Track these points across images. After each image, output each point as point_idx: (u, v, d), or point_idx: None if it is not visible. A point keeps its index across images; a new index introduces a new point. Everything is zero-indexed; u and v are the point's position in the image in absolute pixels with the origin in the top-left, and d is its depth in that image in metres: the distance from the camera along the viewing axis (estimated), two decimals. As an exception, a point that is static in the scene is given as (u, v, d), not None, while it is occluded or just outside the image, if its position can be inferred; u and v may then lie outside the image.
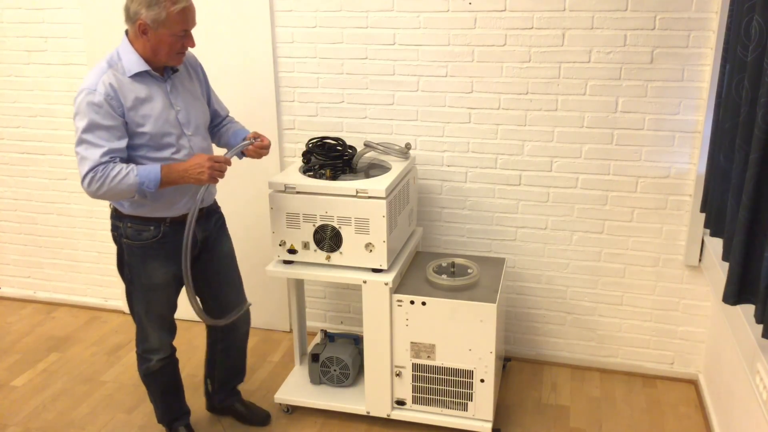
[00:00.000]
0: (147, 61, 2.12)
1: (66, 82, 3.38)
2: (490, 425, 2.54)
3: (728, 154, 2.16)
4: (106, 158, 2.04)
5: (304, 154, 2.68)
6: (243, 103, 3.10)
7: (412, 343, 2.52)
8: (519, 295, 3.07)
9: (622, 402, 2.84)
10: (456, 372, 2.51)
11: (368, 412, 2.66)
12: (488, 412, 2.54)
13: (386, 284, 2.46)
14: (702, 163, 2.64)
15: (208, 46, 3.06)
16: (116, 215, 2.26)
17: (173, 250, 2.24)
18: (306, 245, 2.52)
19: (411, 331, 2.51)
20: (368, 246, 2.45)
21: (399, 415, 2.63)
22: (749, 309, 2.03)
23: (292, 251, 2.54)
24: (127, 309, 2.56)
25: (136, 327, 2.41)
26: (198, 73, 2.36)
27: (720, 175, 2.25)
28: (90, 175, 2.03)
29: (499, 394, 2.86)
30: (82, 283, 3.73)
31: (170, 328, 2.44)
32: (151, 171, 2.09)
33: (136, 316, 2.38)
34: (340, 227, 2.46)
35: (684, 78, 2.61)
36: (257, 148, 2.34)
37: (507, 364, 3.11)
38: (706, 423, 2.68)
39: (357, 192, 2.41)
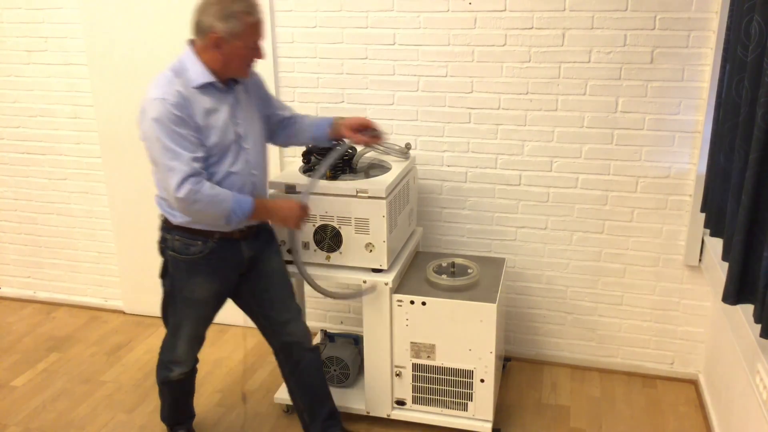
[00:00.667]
0: (213, 72, 2.07)
1: (66, 82, 3.38)
2: (490, 425, 2.54)
3: (728, 154, 2.16)
4: (196, 165, 2.00)
5: (304, 154, 2.67)
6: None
7: (412, 343, 2.52)
8: (519, 295, 3.07)
9: (622, 402, 2.84)
10: (456, 372, 2.51)
11: (368, 412, 2.66)
12: (488, 412, 2.54)
13: (386, 284, 2.46)
14: (702, 163, 2.64)
15: (208, 46, 3.06)
16: (165, 227, 2.20)
17: (219, 266, 2.22)
18: (306, 245, 2.52)
19: (411, 331, 2.51)
20: (368, 246, 2.45)
21: (399, 415, 2.63)
22: (749, 309, 2.03)
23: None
24: (159, 314, 2.43)
25: (166, 335, 2.38)
26: (256, 84, 2.31)
27: (720, 175, 2.25)
28: (186, 186, 1.97)
29: (499, 394, 2.86)
30: (82, 283, 3.73)
31: (200, 343, 2.39)
32: (243, 202, 2.09)
33: (171, 327, 2.34)
34: (340, 227, 2.46)
35: (684, 78, 2.61)
36: (373, 141, 2.37)
37: (507, 364, 3.11)
38: (706, 423, 2.68)
39: (357, 192, 2.41)
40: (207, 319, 2.33)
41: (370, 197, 2.40)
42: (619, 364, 3.05)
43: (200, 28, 2.03)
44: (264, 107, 2.34)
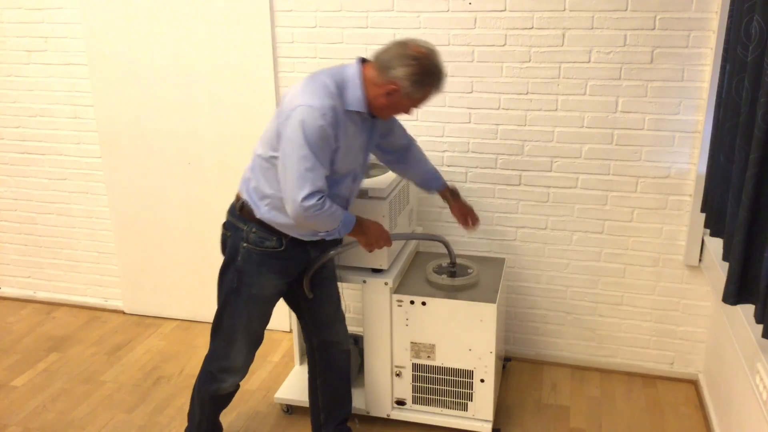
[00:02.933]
0: (368, 105, 2.06)
1: (66, 82, 3.38)
2: (490, 425, 2.54)
3: (728, 154, 2.16)
4: (324, 184, 2.00)
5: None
6: (243, 103, 3.10)
7: (412, 343, 2.52)
8: (519, 295, 3.07)
9: (622, 402, 2.84)
10: (456, 372, 2.51)
11: (368, 412, 2.66)
12: (488, 412, 2.54)
13: (386, 284, 2.46)
14: (702, 163, 2.64)
15: (208, 46, 3.06)
16: (242, 217, 2.16)
17: (289, 264, 2.22)
18: (306, 245, 2.52)
19: (411, 331, 2.51)
20: (368, 246, 2.45)
21: (399, 415, 2.63)
22: (749, 309, 2.03)
23: (292, 251, 2.54)
24: (218, 321, 2.28)
25: (216, 342, 2.26)
26: (386, 124, 2.32)
27: (720, 175, 2.25)
28: (313, 200, 1.96)
29: (499, 394, 2.86)
30: (82, 283, 3.73)
31: (258, 345, 2.32)
32: (349, 220, 2.12)
33: (227, 330, 2.23)
34: (340, 227, 2.46)
35: (684, 78, 2.61)
36: (470, 229, 2.56)
37: (507, 364, 3.11)
38: (706, 423, 2.68)
39: (357, 192, 2.41)
40: (268, 318, 2.29)
41: (370, 197, 2.40)
42: (619, 364, 3.05)
43: (384, 69, 1.99)
44: (386, 130, 2.35)
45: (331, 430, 2.49)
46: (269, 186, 2.09)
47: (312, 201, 1.96)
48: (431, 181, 2.50)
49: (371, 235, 2.19)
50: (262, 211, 2.12)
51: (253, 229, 2.14)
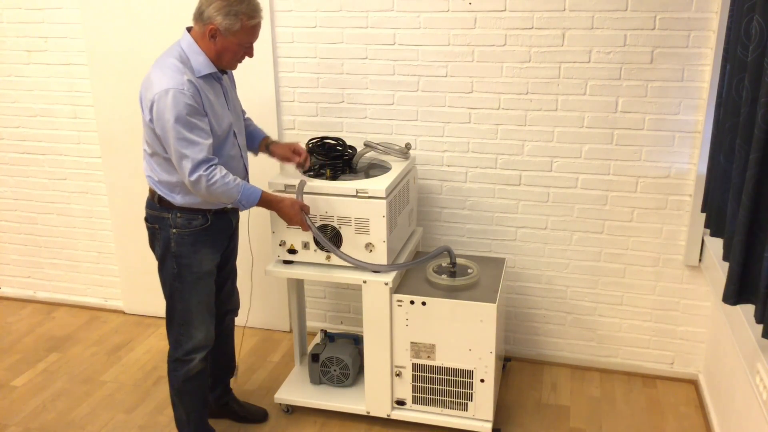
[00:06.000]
0: (212, 62, 2.18)
1: (66, 82, 3.38)
2: (490, 425, 2.54)
3: (728, 154, 2.16)
4: (208, 155, 2.11)
5: (304, 154, 2.68)
6: (243, 103, 3.09)
7: (412, 343, 2.52)
8: (519, 295, 3.07)
9: (622, 402, 2.84)
10: (456, 372, 2.51)
11: (368, 412, 2.66)
12: (488, 412, 2.54)
13: (386, 284, 2.46)
14: (702, 163, 2.64)
15: (208, 46, 3.06)
16: (163, 207, 2.26)
17: (218, 236, 2.34)
18: (306, 245, 2.52)
19: (411, 331, 2.51)
20: (368, 246, 2.45)
21: (399, 415, 2.63)
22: (749, 309, 2.03)
23: (292, 251, 2.54)
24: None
25: (174, 331, 2.35)
26: (232, 79, 2.45)
27: (720, 175, 2.25)
28: (198, 172, 2.08)
29: (499, 394, 2.86)
30: (82, 283, 3.73)
31: (213, 316, 2.41)
32: (252, 194, 2.23)
33: (182, 315, 2.33)
34: (340, 227, 2.46)
35: (684, 78, 2.61)
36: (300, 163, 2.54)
37: (507, 364, 3.11)
38: (706, 423, 2.68)
39: (357, 192, 2.41)
40: (213, 292, 2.39)
41: (370, 197, 2.40)
42: (619, 364, 3.05)
43: (200, 16, 2.13)
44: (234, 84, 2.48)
45: (218, 392, 2.67)
46: (171, 175, 2.20)
47: (198, 172, 2.09)
48: (257, 139, 2.58)
49: (284, 215, 2.34)
50: (177, 199, 2.24)
51: (178, 214, 2.26)
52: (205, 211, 2.28)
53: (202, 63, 2.15)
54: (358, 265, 2.43)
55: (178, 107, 2.04)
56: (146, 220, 2.33)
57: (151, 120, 2.10)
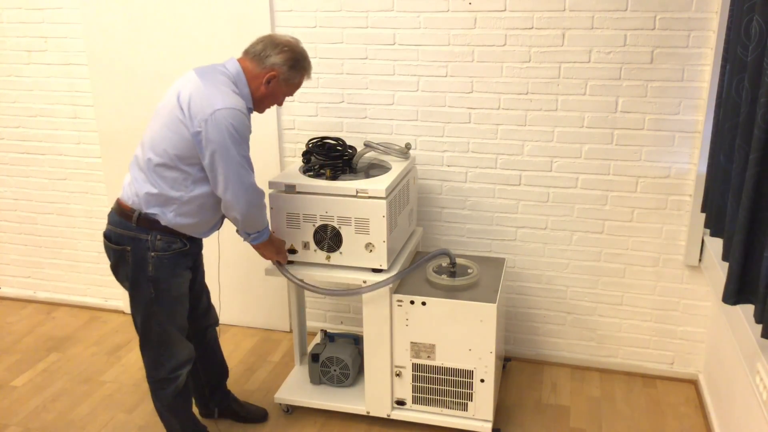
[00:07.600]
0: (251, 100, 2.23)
1: (66, 82, 3.38)
2: (490, 425, 2.54)
3: (728, 154, 2.16)
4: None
5: (304, 154, 2.68)
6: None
7: (412, 343, 2.52)
8: (519, 295, 3.07)
9: (622, 402, 2.84)
10: (456, 372, 2.51)
11: (368, 412, 2.66)
12: (488, 412, 2.54)
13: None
14: (702, 163, 2.64)
15: (209, 46, 3.06)
16: (141, 228, 2.16)
17: (191, 259, 2.32)
18: (306, 245, 2.52)
19: (411, 331, 2.51)
20: (368, 246, 2.45)
21: (399, 415, 2.63)
22: (749, 309, 2.03)
23: (292, 251, 2.54)
24: (130, 318, 2.48)
25: (152, 352, 2.29)
26: None
27: (720, 175, 2.25)
28: (254, 185, 2.16)
29: (499, 394, 2.86)
30: (82, 283, 3.73)
31: (186, 332, 2.37)
32: (267, 228, 2.33)
33: (160, 337, 2.26)
34: (340, 227, 2.46)
35: (684, 78, 2.61)
36: None
37: (507, 364, 3.11)
38: (706, 423, 2.68)
39: (357, 192, 2.41)
40: (188, 309, 2.36)
41: (370, 197, 2.40)
42: (619, 364, 3.05)
43: (262, 60, 2.18)
44: None
45: (218, 398, 2.68)
46: (174, 189, 2.14)
47: (255, 184, 2.17)
48: None
49: (275, 248, 2.42)
50: (169, 217, 2.17)
51: (158, 237, 2.17)
52: (181, 235, 2.22)
53: (246, 98, 2.18)
54: (349, 294, 2.45)
55: (242, 128, 2.08)
56: (108, 239, 2.21)
57: (198, 133, 2.05)
